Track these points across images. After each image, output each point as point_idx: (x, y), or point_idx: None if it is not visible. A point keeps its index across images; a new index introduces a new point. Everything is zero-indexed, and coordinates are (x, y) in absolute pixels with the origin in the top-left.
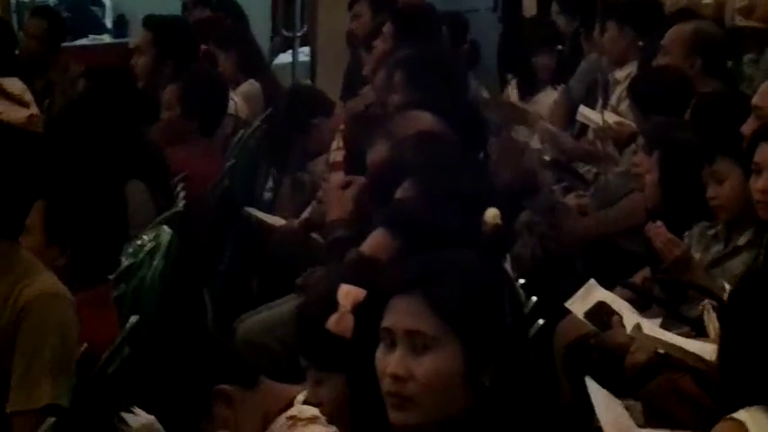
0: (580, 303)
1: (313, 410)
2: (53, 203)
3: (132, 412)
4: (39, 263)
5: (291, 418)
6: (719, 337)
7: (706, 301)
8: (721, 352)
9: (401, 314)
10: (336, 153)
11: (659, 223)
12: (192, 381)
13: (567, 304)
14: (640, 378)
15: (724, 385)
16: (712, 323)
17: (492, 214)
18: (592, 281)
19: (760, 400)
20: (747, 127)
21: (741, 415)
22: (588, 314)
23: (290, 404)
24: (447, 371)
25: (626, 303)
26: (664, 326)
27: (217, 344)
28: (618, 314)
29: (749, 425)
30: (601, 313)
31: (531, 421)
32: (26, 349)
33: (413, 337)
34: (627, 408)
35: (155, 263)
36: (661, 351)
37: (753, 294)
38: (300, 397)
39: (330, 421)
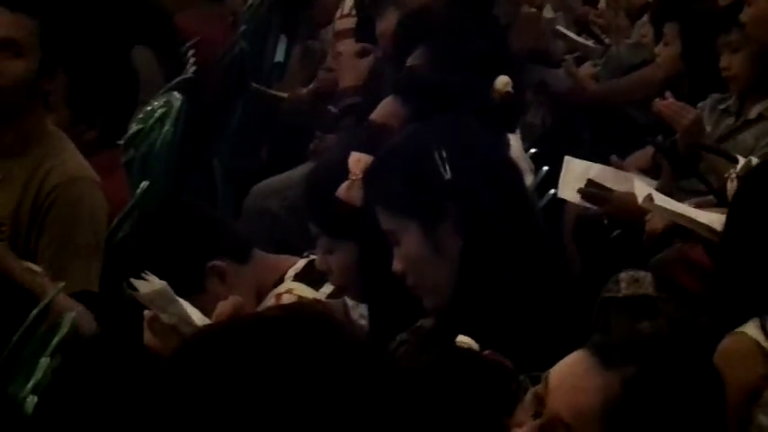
0: (570, 189)
1: (303, 290)
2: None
3: (144, 278)
4: (65, 138)
5: (278, 297)
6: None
7: (732, 170)
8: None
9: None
10: (340, 22)
11: (668, 94)
12: (184, 254)
13: (559, 195)
14: (655, 247)
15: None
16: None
17: (503, 82)
18: (566, 158)
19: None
20: (744, 16)
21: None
22: (583, 194)
23: (282, 278)
24: (417, 250)
25: (614, 171)
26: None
27: (208, 218)
28: (608, 188)
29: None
30: (594, 189)
31: (538, 287)
32: (57, 233)
33: (390, 235)
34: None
35: (165, 128)
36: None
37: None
38: (291, 272)
39: (340, 290)
